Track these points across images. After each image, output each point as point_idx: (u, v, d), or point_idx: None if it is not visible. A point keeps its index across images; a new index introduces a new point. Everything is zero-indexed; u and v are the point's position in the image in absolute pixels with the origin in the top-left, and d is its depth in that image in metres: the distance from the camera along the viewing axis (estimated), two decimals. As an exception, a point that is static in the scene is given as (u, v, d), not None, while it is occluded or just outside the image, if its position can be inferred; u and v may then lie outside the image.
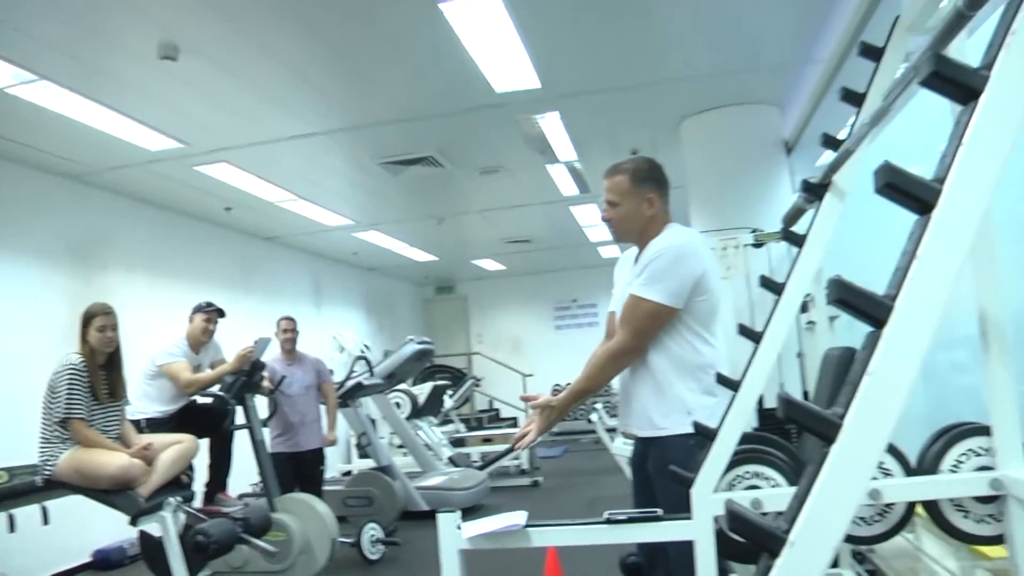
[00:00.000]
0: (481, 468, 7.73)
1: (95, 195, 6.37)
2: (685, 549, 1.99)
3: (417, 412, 8.47)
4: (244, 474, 5.36)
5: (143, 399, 4.42)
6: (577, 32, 4.54)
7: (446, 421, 9.92)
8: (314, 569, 4.30)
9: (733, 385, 2.19)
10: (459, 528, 2.02)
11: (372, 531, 5.32)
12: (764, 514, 2.02)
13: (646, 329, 2.36)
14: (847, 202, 2.26)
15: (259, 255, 9.03)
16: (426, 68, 4.79)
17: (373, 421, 7.73)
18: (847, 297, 1.07)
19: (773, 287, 2.33)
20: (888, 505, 2.02)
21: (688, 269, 2.34)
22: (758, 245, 5.07)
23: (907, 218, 1.13)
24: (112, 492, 3.43)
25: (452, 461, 8.00)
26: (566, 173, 7.55)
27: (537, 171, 7.41)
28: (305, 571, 4.26)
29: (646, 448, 2.49)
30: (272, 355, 5.11)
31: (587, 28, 4.49)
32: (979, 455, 1.95)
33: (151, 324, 6.20)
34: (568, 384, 2.59)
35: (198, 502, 4.19)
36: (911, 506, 2.04)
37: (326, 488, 5.45)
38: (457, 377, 11.24)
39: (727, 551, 2.08)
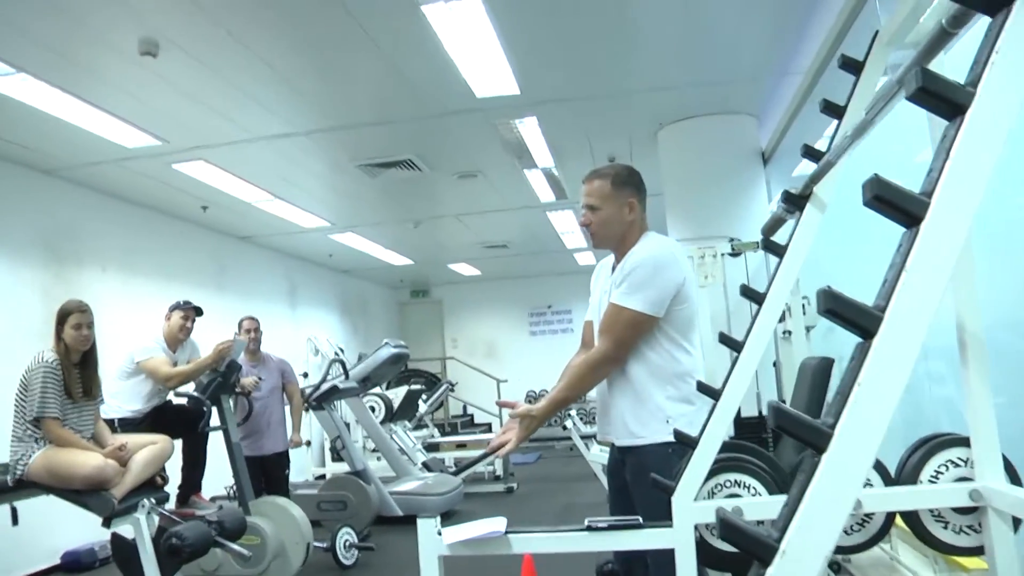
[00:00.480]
0: (455, 473, 7.69)
1: (70, 190, 6.27)
2: (665, 557, 1.99)
3: (391, 416, 8.42)
4: (217, 476, 5.29)
5: (115, 398, 4.35)
6: (557, 39, 4.56)
7: (420, 426, 9.88)
8: (288, 573, 4.27)
9: (714, 394, 2.20)
10: (439, 534, 2.01)
11: (346, 536, 5.27)
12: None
13: (627, 338, 2.35)
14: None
15: (234, 255, 8.93)
16: (406, 71, 4.78)
17: (348, 425, 7.69)
18: (836, 308, 1.08)
19: (754, 296, 2.34)
20: (868, 515, 2.04)
21: (669, 278, 2.34)
22: (735, 254, 5.11)
23: (881, 231, 1.14)
24: (85, 493, 3.38)
25: (426, 466, 7.96)
26: (543, 179, 7.56)
27: (514, 176, 7.41)
28: (279, 575, 4.23)
29: (623, 456, 2.48)
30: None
31: (567, 35, 4.52)
32: (958, 466, 1.97)
33: (124, 321, 6.13)
34: (543, 391, 2.59)
35: (171, 504, 4.14)
36: (890, 516, 2.06)
37: (300, 492, 5.39)
38: (432, 382, 11.19)
39: (707, 559, 2.09)
